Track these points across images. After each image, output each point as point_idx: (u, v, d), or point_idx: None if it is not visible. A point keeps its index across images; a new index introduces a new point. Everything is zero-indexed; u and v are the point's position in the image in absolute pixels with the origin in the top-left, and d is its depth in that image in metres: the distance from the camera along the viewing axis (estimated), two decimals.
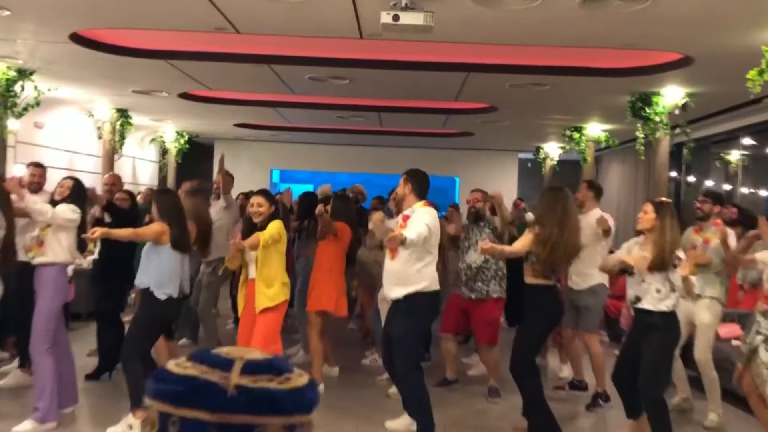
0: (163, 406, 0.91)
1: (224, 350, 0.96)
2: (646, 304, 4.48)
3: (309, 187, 9.88)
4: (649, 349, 4.47)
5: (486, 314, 5.82)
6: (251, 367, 0.92)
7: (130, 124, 11.33)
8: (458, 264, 6.07)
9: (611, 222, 5.65)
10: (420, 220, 4.64)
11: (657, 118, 8.04)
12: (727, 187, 11.18)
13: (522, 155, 16.11)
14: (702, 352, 5.43)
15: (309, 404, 0.95)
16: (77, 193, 5.00)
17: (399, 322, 4.66)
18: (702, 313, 5.43)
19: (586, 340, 5.80)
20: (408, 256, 4.63)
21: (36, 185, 5.88)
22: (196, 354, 0.96)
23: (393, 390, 5.48)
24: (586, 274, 5.60)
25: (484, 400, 5.91)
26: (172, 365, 0.94)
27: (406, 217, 4.73)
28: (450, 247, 6.49)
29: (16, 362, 5.93)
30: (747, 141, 10.34)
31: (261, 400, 0.90)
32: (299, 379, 0.95)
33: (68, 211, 4.83)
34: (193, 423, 0.90)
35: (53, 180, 5.70)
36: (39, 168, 6.01)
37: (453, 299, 6.05)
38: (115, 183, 6.97)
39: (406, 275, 4.64)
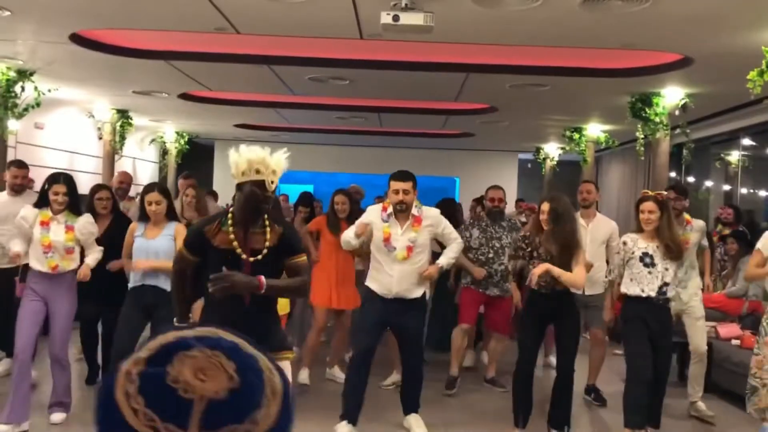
0: None
1: (184, 376, 0.78)
2: None
3: (309, 188, 9.87)
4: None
5: (507, 309, 6.27)
6: (213, 417, 0.77)
7: (130, 124, 11.34)
8: (492, 265, 6.12)
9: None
10: (450, 226, 4.97)
11: (657, 119, 8.04)
12: (726, 187, 11.19)
13: (522, 156, 16.11)
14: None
15: None
16: (77, 202, 4.84)
17: (418, 318, 4.92)
18: None
19: (597, 335, 6.07)
20: (424, 258, 4.86)
21: (18, 186, 5.75)
22: (150, 389, 0.78)
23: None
24: (596, 281, 5.71)
25: (484, 401, 5.93)
26: (122, 400, 0.78)
27: (419, 219, 4.80)
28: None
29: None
30: (747, 141, 10.34)
31: None
32: (269, 412, 0.81)
33: (92, 228, 4.86)
34: None
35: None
36: (21, 169, 5.82)
37: (471, 295, 6.28)
38: (125, 181, 7.01)
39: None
